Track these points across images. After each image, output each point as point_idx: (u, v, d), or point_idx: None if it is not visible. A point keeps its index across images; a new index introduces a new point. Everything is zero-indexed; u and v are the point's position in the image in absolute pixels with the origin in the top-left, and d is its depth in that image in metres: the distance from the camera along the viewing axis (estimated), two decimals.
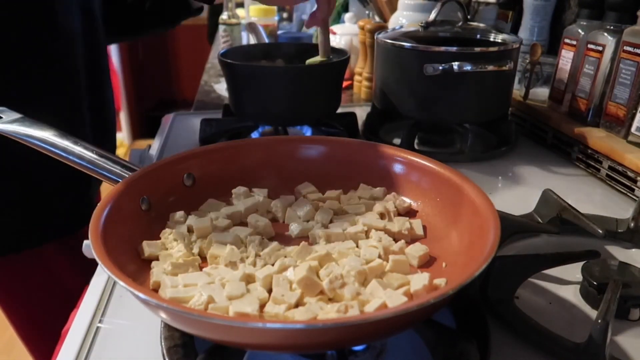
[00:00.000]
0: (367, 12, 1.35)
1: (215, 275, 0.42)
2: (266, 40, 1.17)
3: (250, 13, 1.40)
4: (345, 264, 0.42)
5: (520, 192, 0.73)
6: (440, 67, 0.75)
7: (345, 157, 0.57)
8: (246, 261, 0.44)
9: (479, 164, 0.80)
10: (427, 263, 0.46)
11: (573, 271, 0.52)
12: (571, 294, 0.50)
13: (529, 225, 0.59)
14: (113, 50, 3.11)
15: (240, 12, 1.62)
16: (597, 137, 0.75)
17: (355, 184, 0.56)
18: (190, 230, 0.48)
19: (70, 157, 0.49)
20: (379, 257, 0.44)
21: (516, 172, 0.78)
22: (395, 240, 0.47)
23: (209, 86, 1.28)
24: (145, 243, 0.46)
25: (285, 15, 1.96)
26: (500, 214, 0.56)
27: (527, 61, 0.90)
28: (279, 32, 1.50)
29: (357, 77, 1.16)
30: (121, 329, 0.46)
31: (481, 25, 0.91)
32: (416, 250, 0.45)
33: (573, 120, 0.81)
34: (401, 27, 0.91)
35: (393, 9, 1.17)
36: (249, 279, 0.42)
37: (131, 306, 0.49)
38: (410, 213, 0.53)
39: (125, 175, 0.49)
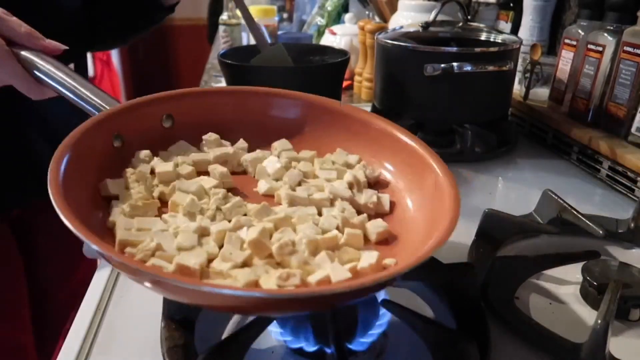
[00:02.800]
0: (367, 12, 1.35)
1: (171, 224, 0.41)
2: (268, 41, 1.17)
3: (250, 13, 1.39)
4: (300, 230, 0.41)
5: (520, 192, 0.73)
6: (441, 68, 0.75)
7: (327, 118, 0.55)
8: (205, 213, 0.43)
9: (479, 164, 0.80)
10: (386, 240, 0.44)
11: (573, 271, 0.52)
12: (571, 294, 0.50)
13: (529, 226, 0.59)
14: (113, 50, 3.11)
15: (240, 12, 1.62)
16: (597, 137, 0.75)
17: (333, 148, 0.54)
18: (153, 172, 0.47)
19: (50, 82, 0.49)
20: (337, 228, 0.43)
21: (516, 172, 0.78)
22: (359, 213, 0.46)
23: (209, 86, 1.28)
24: (108, 181, 0.44)
25: (285, 15, 1.96)
26: (500, 214, 0.57)
27: (527, 61, 0.90)
28: (279, 32, 1.50)
29: (357, 78, 1.16)
30: (121, 329, 0.46)
31: (481, 25, 0.92)
32: (376, 226, 0.44)
33: (573, 120, 0.81)
34: (401, 27, 0.91)
35: (393, 9, 1.17)
36: (203, 232, 0.41)
37: (132, 306, 0.49)
38: (381, 185, 0.51)
39: (103, 108, 0.48)
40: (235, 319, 0.46)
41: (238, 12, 1.57)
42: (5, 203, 0.76)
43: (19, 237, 0.80)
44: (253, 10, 1.38)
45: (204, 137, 0.52)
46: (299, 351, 0.41)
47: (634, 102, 0.71)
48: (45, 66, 0.50)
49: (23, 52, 0.50)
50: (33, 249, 0.83)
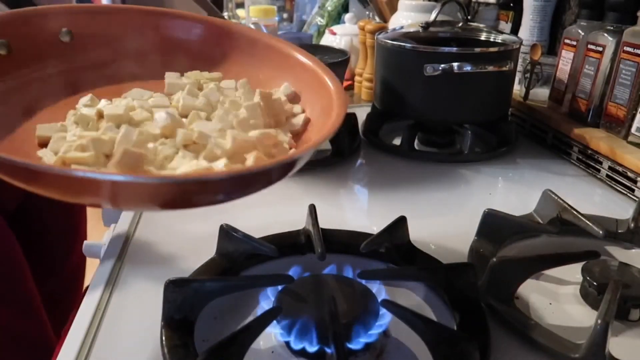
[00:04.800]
0: (367, 12, 1.35)
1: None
2: None
3: (251, 13, 1.40)
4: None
5: (520, 192, 0.73)
6: (441, 68, 0.75)
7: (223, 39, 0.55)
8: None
9: (479, 164, 0.80)
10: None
11: (573, 271, 0.52)
12: (571, 294, 0.50)
13: (529, 226, 0.59)
14: None
15: (240, 12, 1.62)
16: (597, 138, 0.75)
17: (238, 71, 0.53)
18: (100, 116, 0.44)
19: None
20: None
21: (516, 173, 0.78)
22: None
23: None
24: (39, 126, 0.42)
25: (285, 15, 1.96)
26: (500, 214, 0.57)
27: (527, 61, 0.90)
28: (279, 32, 1.50)
29: (357, 78, 1.16)
30: (121, 329, 0.46)
31: (481, 25, 0.92)
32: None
33: (573, 120, 0.81)
34: (401, 27, 0.91)
35: (393, 9, 1.17)
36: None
37: (132, 306, 0.49)
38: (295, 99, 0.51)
39: None
40: (235, 319, 0.47)
41: (238, 12, 1.57)
42: None
43: (14, 228, 0.81)
44: (253, 10, 1.39)
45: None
46: (299, 351, 0.41)
47: (634, 102, 0.71)
48: None
49: None
50: (29, 235, 0.84)
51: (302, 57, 0.52)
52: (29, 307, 0.82)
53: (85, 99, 0.46)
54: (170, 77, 0.52)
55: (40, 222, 0.88)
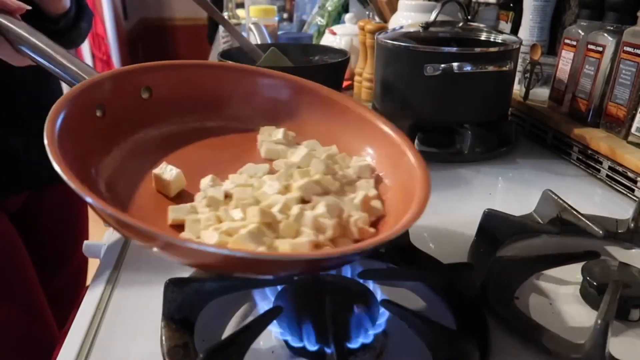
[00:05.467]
0: (367, 12, 1.35)
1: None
2: (268, 40, 1.17)
3: (251, 13, 1.40)
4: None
5: (520, 193, 0.73)
6: (441, 68, 0.75)
7: (313, 102, 0.56)
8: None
9: (479, 164, 0.80)
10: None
11: (573, 271, 0.52)
12: (571, 294, 0.50)
13: (529, 226, 0.59)
14: (113, 50, 3.11)
15: (240, 12, 1.62)
16: (597, 138, 0.75)
17: (322, 133, 0.54)
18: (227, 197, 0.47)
19: (25, 49, 0.49)
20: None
21: (516, 173, 0.78)
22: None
23: None
24: (170, 207, 0.44)
25: (285, 15, 1.96)
26: (500, 214, 0.57)
27: (527, 61, 0.90)
28: (279, 32, 1.50)
29: (357, 78, 1.16)
30: (121, 329, 0.46)
31: (481, 25, 0.92)
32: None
33: (573, 120, 0.81)
34: (401, 27, 0.91)
35: (393, 9, 1.17)
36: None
37: (132, 306, 0.49)
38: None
39: (81, 78, 0.48)
40: (235, 319, 0.47)
41: (238, 12, 1.57)
42: None
43: (18, 227, 0.81)
44: (253, 10, 1.39)
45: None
46: (299, 351, 0.41)
47: (634, 102, 0.71)
48: (19, 31, 0.49)
49: None
50: (32, 236, 0.84)
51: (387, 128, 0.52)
52: (34, 306, 0.82)
53: (207, 179, 0.48)
54: (265, 133, 0.54)
55: (43, 222, 0.88)
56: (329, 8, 1.50)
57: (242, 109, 0.56)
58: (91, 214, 1.09)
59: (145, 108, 0.51)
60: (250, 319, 0.42)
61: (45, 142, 0.38)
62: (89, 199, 0.35)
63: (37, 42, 0.49)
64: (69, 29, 0.70)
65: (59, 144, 0.39)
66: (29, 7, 0.53)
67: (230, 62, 0.57)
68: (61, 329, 0.89)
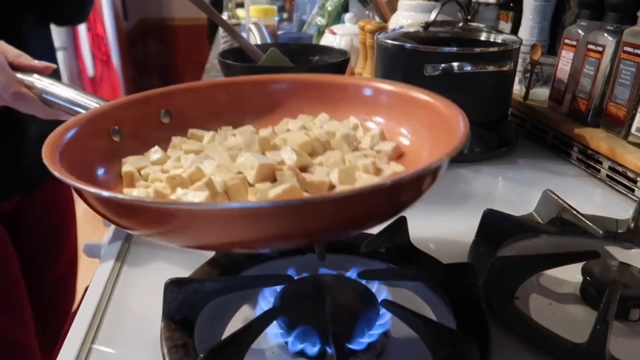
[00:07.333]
0: (367, 12, 1.35)
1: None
2: (268, 40, 1.17)
3: (250, 13, 1.40)
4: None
5: (520, 192, 0.73)
6: (441, 68, 0.75)
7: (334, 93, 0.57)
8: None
9: (479, 165, 0.80)
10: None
11: (573, 271, 0.52)
12: (571, 294, 0.50)
13: (529, 226, 0.59)
14: (113, 50, 3.11)
15: (240, 12, 1.62)
16: (597, 138, 0.75)
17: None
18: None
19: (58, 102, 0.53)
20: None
21: (516, 173, 0.78)
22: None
23: None
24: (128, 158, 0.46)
25: (285, 15, 1.96)
26: (500, 214, 0.57)
27: (527, 61, 0.90)
28: (279, 32, 1.50)
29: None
30: (121, 329, 0.46)
31: (481, 25, 0.92)
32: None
33: (573, 120, 0.81)
34: (401, 27, 0.91)
35: (393, 9, 1.17)
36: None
37: (132, 306, 0.49)
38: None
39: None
40: (235, 319, 0.47)
41: (238, 12, 1.57)
42: None
43: (9, 230, 0.81)
44: (253, 10, 1.39)
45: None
46: (299, 351, 0.41)
47: (634, 102, 0.71)
48: (50, 88, 0.54)
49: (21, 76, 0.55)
50: (22, 238, 0.85)
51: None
52: (19, 314, 0.82)
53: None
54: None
55: (29, 223, 0.88)
56: (329, 8, 1.50)
57: (262, 114, 0.57)
58: (90, 213, 1.08)
59: (163, 131, 0.53)
60: (250, 319, 0.42)
61: (45, 144, 0.39)
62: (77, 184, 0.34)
63: (59, 88, 0.54)
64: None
65: (60, 149, 0.39)
66: (55, 66, 0.57)
67: (243, 76, 0.59)
68: (48, 333, 0.89)
